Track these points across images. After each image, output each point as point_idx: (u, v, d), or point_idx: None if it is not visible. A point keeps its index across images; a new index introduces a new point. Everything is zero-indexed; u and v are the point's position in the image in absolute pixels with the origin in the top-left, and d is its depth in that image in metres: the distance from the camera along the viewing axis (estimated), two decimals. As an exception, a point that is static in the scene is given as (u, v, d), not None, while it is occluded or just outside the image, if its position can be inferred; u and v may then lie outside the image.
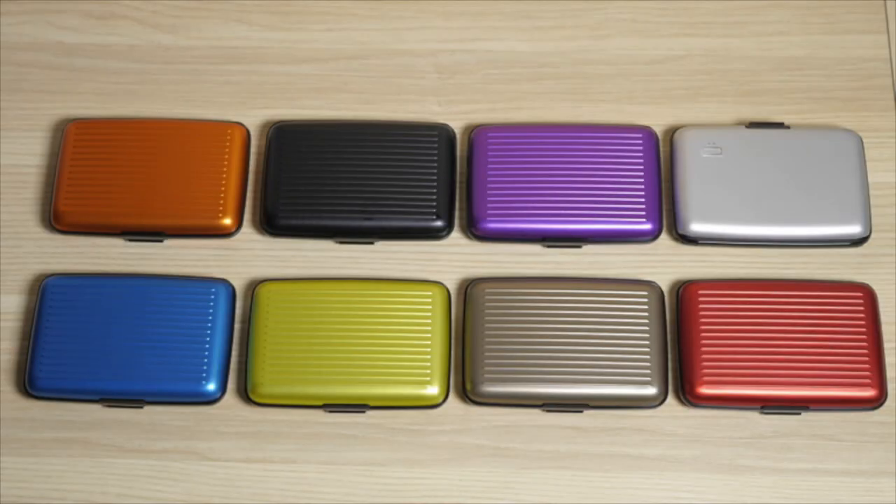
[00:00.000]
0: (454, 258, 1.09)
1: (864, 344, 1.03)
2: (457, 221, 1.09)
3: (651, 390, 1.02)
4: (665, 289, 1.07)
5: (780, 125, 1.10)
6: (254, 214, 1.10)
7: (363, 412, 1.04)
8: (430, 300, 1.05)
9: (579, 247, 1.08)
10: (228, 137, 1.10)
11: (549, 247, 1.09)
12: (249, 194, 1.11)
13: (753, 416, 1.04)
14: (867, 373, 1.03)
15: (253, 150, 1.12)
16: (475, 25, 1.16)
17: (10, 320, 1.07)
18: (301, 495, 1.03)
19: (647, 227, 1.07)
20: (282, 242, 1.09)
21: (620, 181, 1.08)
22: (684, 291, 1.06)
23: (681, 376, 1.04)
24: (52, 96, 1.14)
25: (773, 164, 1.08)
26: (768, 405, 1.03)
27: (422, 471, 1.03)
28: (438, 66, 1.15)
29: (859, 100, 1.13)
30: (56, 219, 1.08)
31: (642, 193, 1.08)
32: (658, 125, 1.12)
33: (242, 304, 1.07)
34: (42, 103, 1.14)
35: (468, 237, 1.09)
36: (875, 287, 1.06)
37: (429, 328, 1.04)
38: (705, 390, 1.02)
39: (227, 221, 1.08)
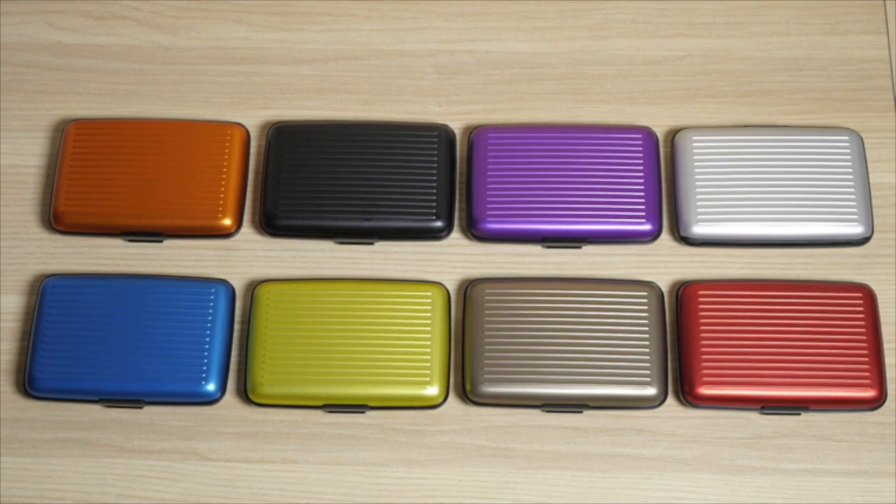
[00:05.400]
0: (454, 259, 1.09)
1: (864, 344, 1.03)
2: (456, 222, 1.09)
3: (651, 391, 1.02)
4: (665, 289, 1.07)
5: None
6: (253, 215, 1.10)
7: (363, 412, 1.04)
8: (429, 300, 1.05)
9: (579, 247, 1.08)
10: (228, 138, 1.10)
11: (548, 247, 1.09)
12: (249, 195, 1.11)
13: (753, 417, 1.04)
14: (867, 373, 1.03)
15: (252, 150, 1.12)
16: (475, 26, 1.16)
17: (10, 320, 1.07)
18: (301, 495, 1.03)
19: (647, 227, 1.07)
20: (281, 243, 1.09)
21: (620, 182, 1.08)
22: (684, 292, 1.06)
23: (681, 377, 1.04)
24: (52, 97, 1.14)
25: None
26: (768, 405, 1.03)
27: (421, 471, 1.03)
28: (438, 67, 1.15)
29: (859, 100, 1.13)
30: (56, 219, 1.08)
31: (642, 194, 1.08)
32: (658, 126, 1.12)
33: (242, 305, 1.07)
34: (42, 104, 1.14)
35: (468, 238, 1.09)
36: (875, 287, 1.06)
37: (428, 328, 1.04)
38: (705, 391, 1.02)
39: (227, 222, 1.08)
